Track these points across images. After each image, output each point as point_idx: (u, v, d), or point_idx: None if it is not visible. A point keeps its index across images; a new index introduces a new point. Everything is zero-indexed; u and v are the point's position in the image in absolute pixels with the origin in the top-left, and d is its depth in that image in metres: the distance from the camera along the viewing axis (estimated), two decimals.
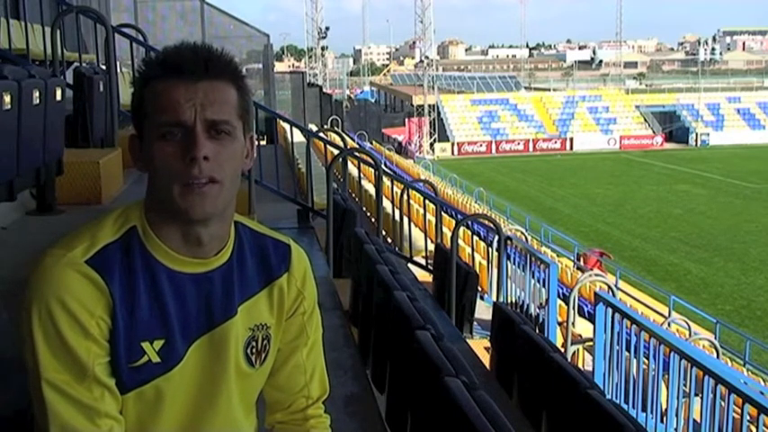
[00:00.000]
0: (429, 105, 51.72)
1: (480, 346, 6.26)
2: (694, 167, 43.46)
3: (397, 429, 2.84)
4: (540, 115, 57.68)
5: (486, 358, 5.39)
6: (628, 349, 5.96)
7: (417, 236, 10.17)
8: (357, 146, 19.36)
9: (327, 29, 58.07)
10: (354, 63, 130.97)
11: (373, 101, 64.66)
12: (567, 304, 8.42)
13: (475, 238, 12.32)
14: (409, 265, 8.07)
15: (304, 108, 23.36)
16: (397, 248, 8.60)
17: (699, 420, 5.48)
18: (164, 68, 1.25)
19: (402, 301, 3.01)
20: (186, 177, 1.23)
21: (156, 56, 1.30)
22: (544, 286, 7.81)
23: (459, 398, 2.04)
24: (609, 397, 4.79)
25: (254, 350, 1.39)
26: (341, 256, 5.90)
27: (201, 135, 1.23)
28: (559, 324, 7.98)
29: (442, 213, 9.74)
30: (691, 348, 6.18)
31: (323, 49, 61.13)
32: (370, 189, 11.30)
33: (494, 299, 7.78)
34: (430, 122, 52.21)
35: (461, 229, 9.45)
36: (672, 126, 57.85)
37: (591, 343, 6.81)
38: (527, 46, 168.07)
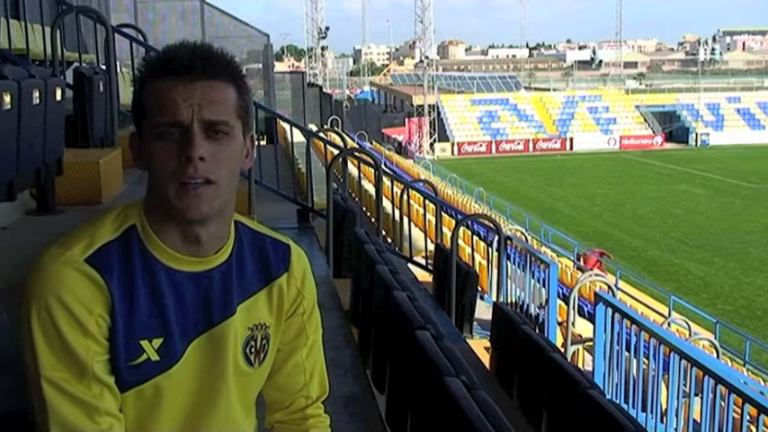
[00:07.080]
0: (429, 105, 51.70)
1: (480, 346, 6.25)
2: (694, 167, 43.45)
3: (397, 429, 2.84)
4: (540, 115, 57.66)
5: (486, 358, 5.38)
6: (628, 349, 5.96)
7: (417, 236, 10.17)
8: (357, 146, 19.35)
9: (327, 29, 58.07)
10: (354, 63, 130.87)
11: (373, 101, 64.63)
12: (567, 304, 8.42)
13: (475, 238, 12.31)
14: (409, 265, 8.07)
15: (304, 108, 23.35)
16: (397, 248, 8.60)
17: (699, 420, 5.47)
18: (162, 68, 1.26)
19: (402, 301, 3.01)
20: (182, 177, 1.23)
21: (155, 55, 1.30)
22: (544, 286, 7.81)
23: (460, 398, 2.04)
24: (609, 397, 4.78)
25: (252, 350, 1.39)
26: (341, 256, 5.90)
27: (198, 135, 1.23)
28: (559, 324, 7.97)
29: (442, 213, 9.73)
30: (691, 348, 6.17)
31: (323, 49, 61.12)
32: (370, 189, 11.30)
33: (494, 299, 7.77)
34: (430, 122, 52.19)
35: (461, 229, 9.45)
36: (672, 126, 57.84)
37: (591, 343, 6.81)
38: (527, 46, 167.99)
